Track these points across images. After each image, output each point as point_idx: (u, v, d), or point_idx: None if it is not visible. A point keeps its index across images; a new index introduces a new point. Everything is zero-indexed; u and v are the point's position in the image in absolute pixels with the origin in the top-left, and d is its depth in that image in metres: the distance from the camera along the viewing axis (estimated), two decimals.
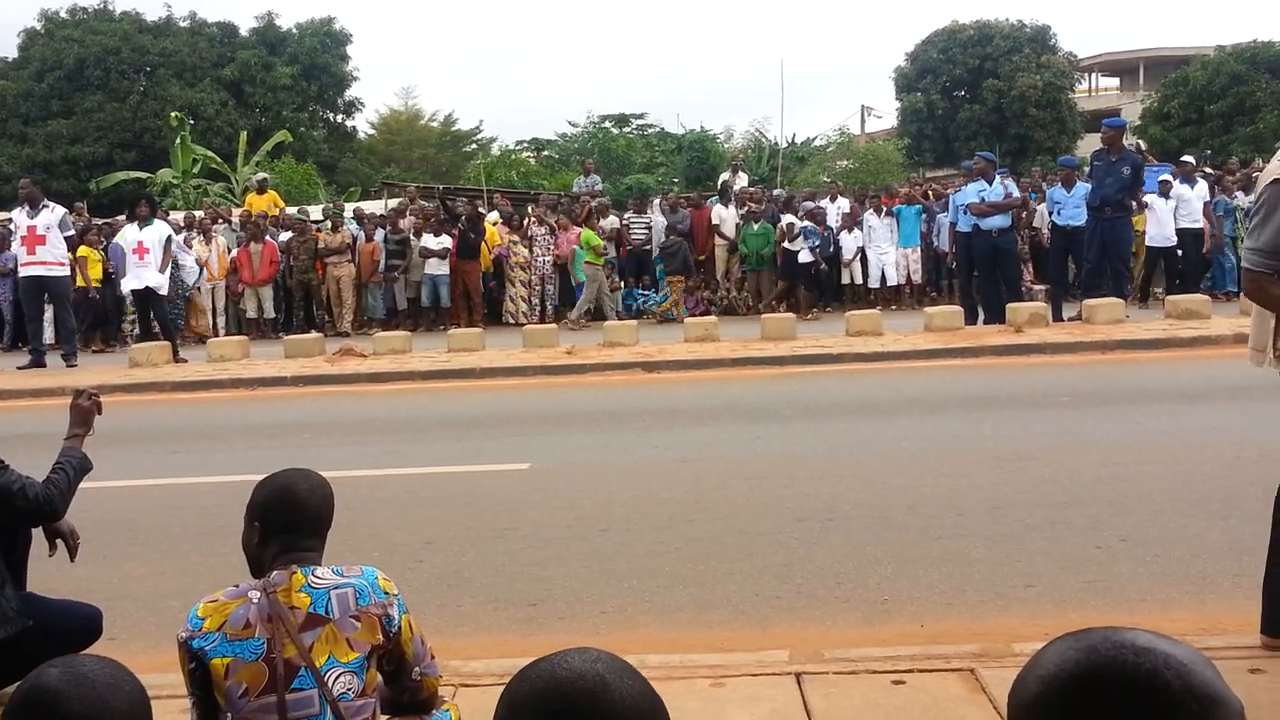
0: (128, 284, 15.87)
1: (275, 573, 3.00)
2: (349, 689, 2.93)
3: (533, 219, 20.26)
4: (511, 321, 19.06)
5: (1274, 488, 4.14)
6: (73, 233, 15.58)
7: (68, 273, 15.49)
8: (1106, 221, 14.87)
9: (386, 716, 3.12)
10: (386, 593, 3.04)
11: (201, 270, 19.48)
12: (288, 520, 3.06)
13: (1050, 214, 16.65)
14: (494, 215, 20.92)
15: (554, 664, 1.42)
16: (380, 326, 19.10)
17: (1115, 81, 58.23)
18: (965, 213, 15.44)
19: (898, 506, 6.75)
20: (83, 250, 17.41)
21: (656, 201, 21.96)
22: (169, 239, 15.94)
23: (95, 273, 17.92)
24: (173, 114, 31.84)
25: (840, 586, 5.49)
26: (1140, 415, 9.15)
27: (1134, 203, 15.28)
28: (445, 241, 19.35)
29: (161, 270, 15.70)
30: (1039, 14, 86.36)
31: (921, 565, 5.70)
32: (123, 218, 19.47)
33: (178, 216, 21.50)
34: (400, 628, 3.04)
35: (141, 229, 15.61)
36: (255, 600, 2.94)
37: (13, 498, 4.18)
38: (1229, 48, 38.56)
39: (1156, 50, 52.75)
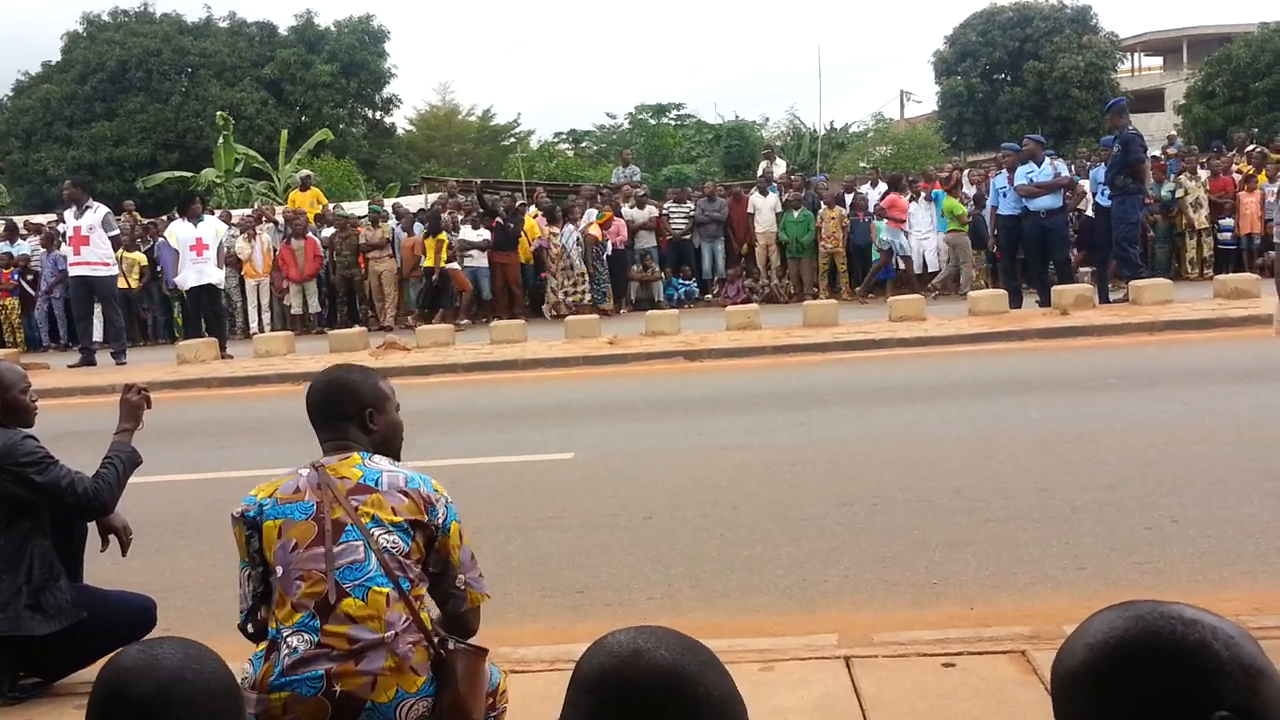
0: (186, 280, 15.96)
1: (326, 458, 3.15)
2: (393, 546, 3.00)
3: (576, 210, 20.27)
4: (554, 314, 19.06)
5: None
6: (117, 232, 15.78)
7: (114, 271, 15.67)
8: (1112, 200, 14.68)
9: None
10: (437, 490, 3.12)
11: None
12: (316, 413, 3.26)
13: (1094, 194, 16.46)
14: (533, 208, 20.93)
15: (605, 637, 1.44)
16: (422, 320, 19.19)
17: (1158, 61, 57.42)
18: (1006, 196, 15.30)
19: (944, 490, 6.71)
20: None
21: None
22: (224, 235, 16.11)
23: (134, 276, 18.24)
24: (219, 113, 32.07)
25: (888, 570, 5.47)
26: (1189, 395, 9.04)
27: (1130, 180, 14.48)
28: (484, 234, 19.40)
29: (219, 267, 15.88)
30: None
31: (969, 548, 5.66)
32: (165, 217, 19.68)
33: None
34: (449, 529, 3.11)
35: (196, 226, 15.76)
36: (305, 474, 3.10)
37: (63, 493, 4.23)
38: (1273, 24, 37.91)
39: (1199, 28, 52.00)
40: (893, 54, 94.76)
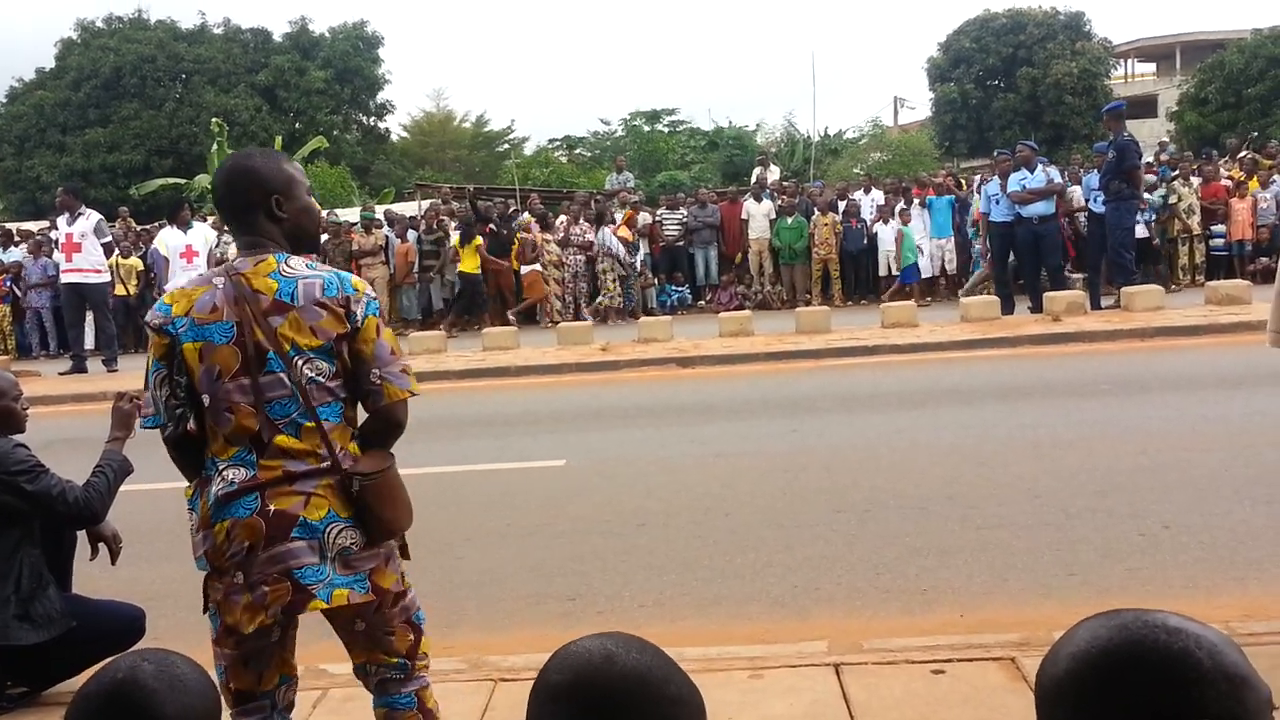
0: (178, 287, 15.85)
1: (239, 258, 3.02)
2: (318, 373, 2.94)
3: (568, 218, 20.32)
4: (548, 321, 19.08)
5: None
6: (109, 239, 15.70)
7: (105, 279, 15.63)
8: (1107, 206, 14.70)
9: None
10: (357, 289, 3.00)
11: None
12: (224, 200, 3.09)
13: (1087, 200, 16.47)
14: (525, 215, 20.94)
15: (569, 645, 1.46)
16: (415, 327, 19.18)
17: (1151, 67, 57.52)
18: (998, 202, 15.32)
19: (937, 497, 6.71)
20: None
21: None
22: (214, 242, 16.05)
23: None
24: (214, 120, 32.04)
25: (880, 577, 5.47)
26: (1181, 402, 9.05)
27: (1125, 186, 14.44)
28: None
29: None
30: (1072, 1, 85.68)
31: (961, 555, 5.66)
32: (157, 225, 19.64)
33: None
34: (364, 324, 2.97)
35: (186, 232, 15.72)
36: (220, 286, 2.96)
37: (53, 501, 4.22)
38: (1266, 30, 38.00)
39: (1192, 35, 52.10)
40: (887, 60, 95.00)
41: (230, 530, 2.88)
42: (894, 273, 19.73)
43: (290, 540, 2.88)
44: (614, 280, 19.64)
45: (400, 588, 3.09)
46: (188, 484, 3.04)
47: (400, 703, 3.16)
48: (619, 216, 20.07)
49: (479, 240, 19.06)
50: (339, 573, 2.93)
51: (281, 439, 2.90)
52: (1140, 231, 17.32)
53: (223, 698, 2.79)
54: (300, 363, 2.91)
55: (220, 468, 2.92)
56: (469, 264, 19.00)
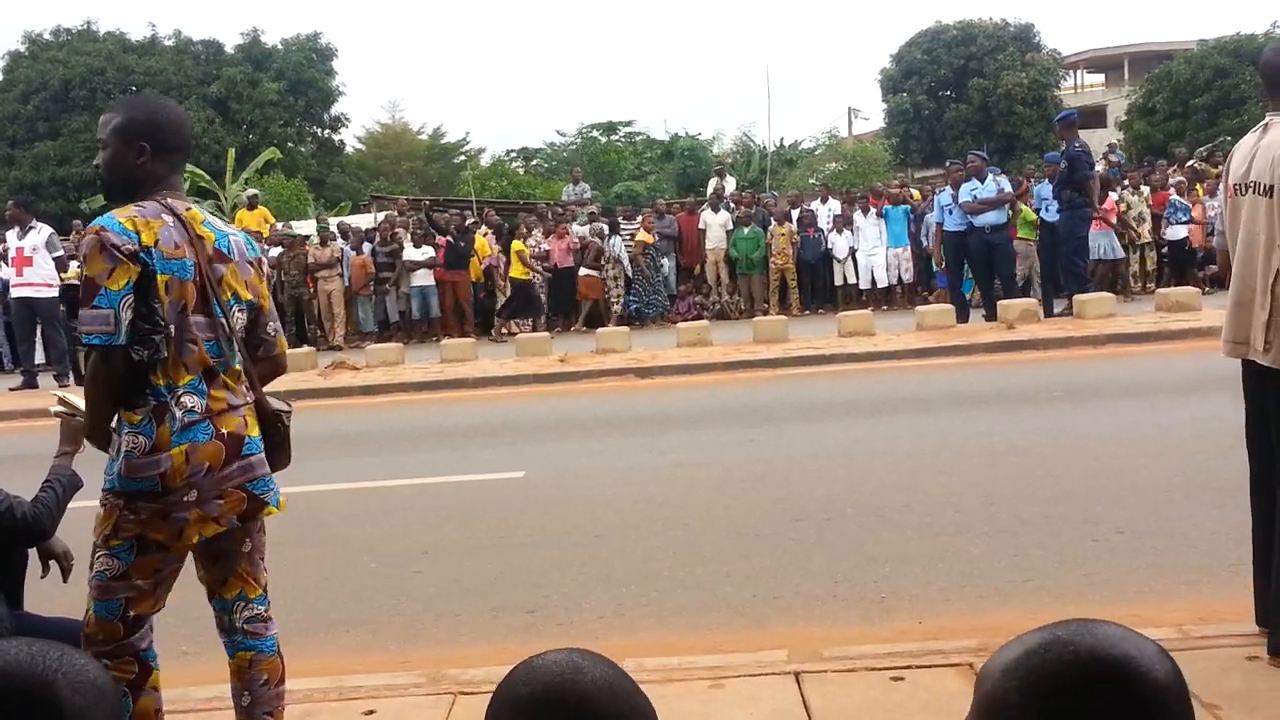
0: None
1: (170, 199, 3.22)
2: (240, 325, 3.34)
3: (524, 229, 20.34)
4: (504, 333, 19.04)
5: None
6: (61, 253, 15.44)
7: (56, 293, 15.40)
8: (1060, 215, 14.87)
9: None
10: (259, 252, 3.48)
11: None
12: (180, 140, 3.33)
13: (1038, 210, 16.65)
14: (484, 227, 20.93)
15: (531, 659, 1.44)
16: (372, 339, 19.07)
17: (1100, 78, 58.29)
18: (952, 212, 15.46)
19: (894, 505, 6.75)
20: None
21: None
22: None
23: None
24: None
25: (838, 585, 5.49)
26: (1133, 408, 9.16)
27: (1077, 195, 14.56)
28: (429, 252, 19.35)
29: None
30: (1022, 13, 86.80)
31: (919, 562, 5.69)
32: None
33: None
34: (265, 283, 3.45)
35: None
36: (171, 223, 3.16)
37: (0, 518, 4.16)
38: (1211, 41, 38.65)
39: (1140, 46, 52.87)
40: (841, 72, 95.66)
41: (189, 453, 3.14)
42: (849, 281, 19.85)
43: (243, 457, 3.27)
44: (620, 289, 19.92)
45: None
46: (129, 410, 3.16)
47: (267, 647, 3.48)
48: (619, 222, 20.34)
49: (520, 245, 19.17)
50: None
51: (223, 375, 3.26)
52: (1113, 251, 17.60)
53: (117, 631, 3.18)
54: (235, 312, 3.29)
55: (178, 393, 3.16)
56: (517, 269, 19.18)
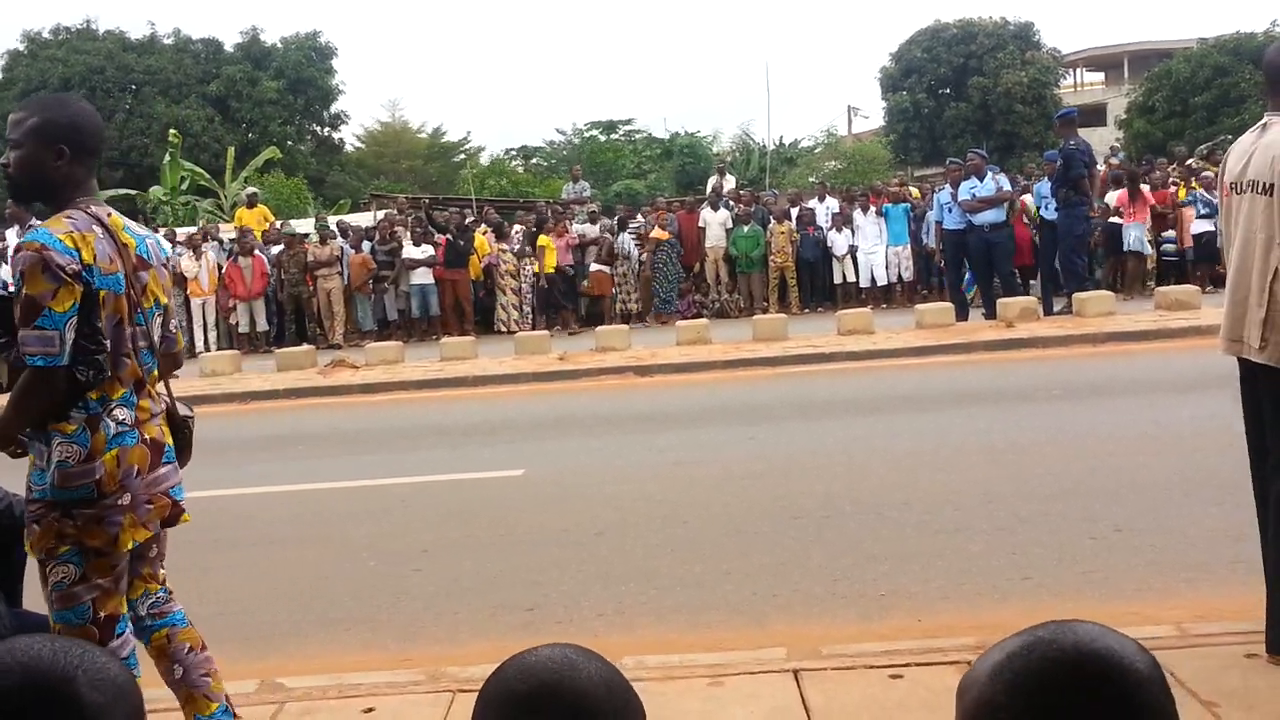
0: None
1: (93, 207, 3.24)
2: (157, 329, 3.40)
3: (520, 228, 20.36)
4: (503, 330, 19.06)
5: None
6: None
7: None
8: (1058, 213, 14.86)
9: None
10: (169, 252, 3.59)
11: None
12: (97, 143, 3.33)
13: (1038, 208, 16.64)
14: (483, 225, 20.92)
15: (523, 654, 1.44)
16: (372, 338, 19.07)
17: (1100, 76, 58.24)
18: (951, 210, 15.45)
19: (893, 503, 6.75)
20: None
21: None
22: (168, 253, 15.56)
23: None
24: (171, 131, 31.66)
25: (837, 583, 5.49)
26: (1132, 406, 9.16)
27: (1073, 193, 14.47)
28: (428, 251, 19.34)
29: None
30: (1022, 11, 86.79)
31: (918, 560, 5.70)
32: None
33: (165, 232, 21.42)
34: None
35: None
36: (101, 235, 3.18)
37: (0, 516, 4.16)
38: (1212, 40, 38.65)
39: (1140, 44, 52.82)
40: (840, 70, 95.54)
41: (120, 457, 3.20)
42: (848, 280, 19.84)
43: (164, 465, 3.37)
44: (630, 287, 19.94)
45: None
46: (61, 421, 3.18)
47: (178, 619, 3.60)
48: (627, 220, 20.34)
49: (546, 239, 19.35)
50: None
51: (147, 385, 3.33)
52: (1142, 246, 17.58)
53: (92, 635, 3.17)
54: (156, 318, 3.37)
55: (111, 408, 3.21)
56: (550, 261, 19.36)
